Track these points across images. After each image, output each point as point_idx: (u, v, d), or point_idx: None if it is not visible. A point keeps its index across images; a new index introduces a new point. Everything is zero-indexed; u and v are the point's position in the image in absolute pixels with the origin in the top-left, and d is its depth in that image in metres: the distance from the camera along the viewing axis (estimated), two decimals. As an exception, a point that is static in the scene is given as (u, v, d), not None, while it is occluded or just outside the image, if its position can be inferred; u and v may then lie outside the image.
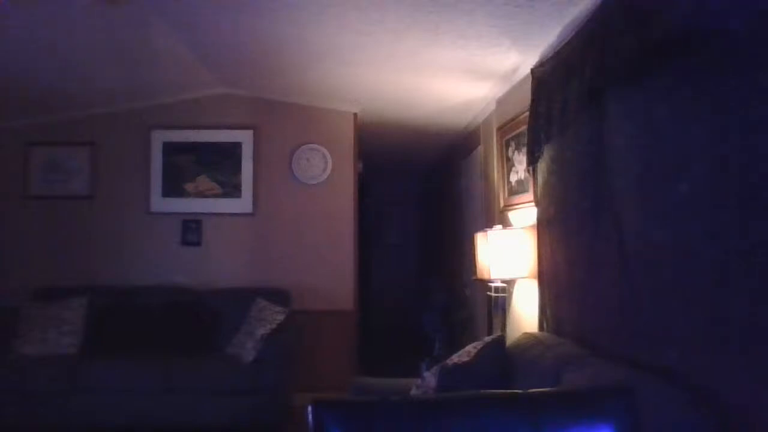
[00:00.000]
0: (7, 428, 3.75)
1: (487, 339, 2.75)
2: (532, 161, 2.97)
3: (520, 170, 3.37)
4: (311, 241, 4.84)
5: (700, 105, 1.65)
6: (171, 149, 4.84)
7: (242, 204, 4.83)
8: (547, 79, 2.72)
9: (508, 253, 3.15)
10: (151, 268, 4.76)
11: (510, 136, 3.55)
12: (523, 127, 3.12)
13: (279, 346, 3.95)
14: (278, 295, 4.38)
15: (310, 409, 1.28)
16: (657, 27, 1.69)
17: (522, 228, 3.27)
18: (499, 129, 3.79)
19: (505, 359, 2.55)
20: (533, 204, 3.03)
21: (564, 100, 2.45)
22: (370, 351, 5.81)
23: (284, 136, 4.89)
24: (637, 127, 2.00)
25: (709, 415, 1.50)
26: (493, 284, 3.31)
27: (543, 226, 2.91)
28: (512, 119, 3.50)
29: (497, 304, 3.34)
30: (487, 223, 4.04)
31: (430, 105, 4.58)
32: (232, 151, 4.84)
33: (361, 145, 5.19)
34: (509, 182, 3.58)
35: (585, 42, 2.28)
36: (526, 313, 3.25)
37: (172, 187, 4.83)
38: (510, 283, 3.42)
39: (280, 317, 4.05)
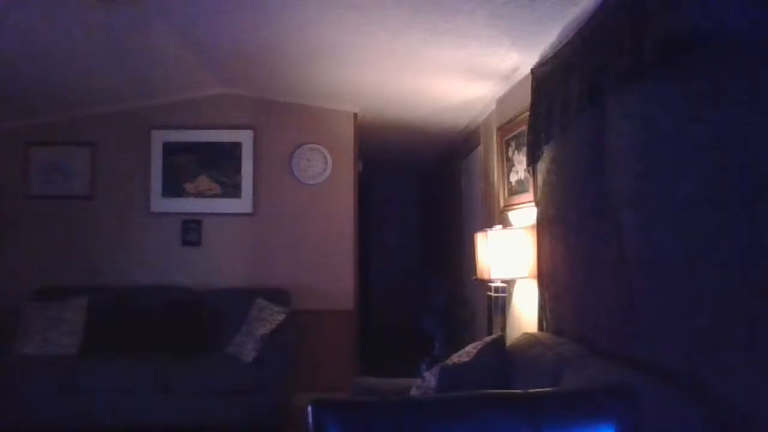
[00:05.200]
0: (7, 428, 3.75)
1: (487, 339, 2.76)
2: (532, 161, 2.97)
3: (520, 170, 3.37)
4: (311, 241, 4.84)
5: (701, 105, 1.64)
6: (171, 149, 4.84)
7: (242, 204, 4.83)
8: (547, 79, 2.72)
9: (508, 253, 3.15)
10: (151, 268, 4.76)
11: (510, 136, 3.55)
12: (523, 127, 3.12)
13: (279, 346, 3.95)
14: (278, 295, 4.38)
15: (310, 409, 1.28)
16: (657, 27, 1.69)
17: (522, 228, 3.27)
18: (499, 129, 3.79)
19: (505, 359, 2.55)
20: (533, 204, 3.03)
21: (564, 100, 2.45)
22: (370, 351, 5.81)
23: (284, 136, 4.89)
24: (637, 127, 2.00)
25: (709, 415, 1.50)
26: (493, 284, 3.31)
27: (543, 226, 2.91)
28: (512, 119, 3.50)
29: (497, 304, 3.34)
30: (487, 223, 4.04)
31: (430, 105, 4.58)
32: (232, 151, 4.84)
33: (361, 145, 5.19)
34: (509, 182, 3.58)
35: (585, 42, 2.28)
36: (526, 313, 3.25)
37: (172, 187, 4.83)
38: (510, 283, 3.42)
39: (280, 317, 4.05)
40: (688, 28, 1.61)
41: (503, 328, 3.31)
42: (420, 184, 8.97)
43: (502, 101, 3.87)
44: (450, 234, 6.37)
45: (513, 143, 3.50)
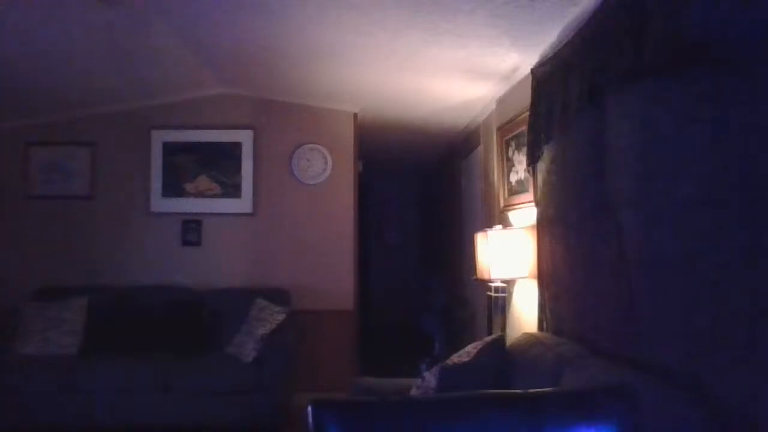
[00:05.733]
0: (7, 428, 3.75)
1: (487, 339, 2.76)
2: (532, 161, 2.97)
3: (520, 170, 3.37)
4: (311, 241, 4.84)
5: (701, 105, 1.64)
6: (171, 149, 4.84)
7: (242, 204, 4.83)
8: (547, 79, 2.72)
9: (508, 253, 3.15)
10: (151, 268, 4.76)
11: (510, 136, 3.55)
12: (523, 127, 3.12)
13: (279, 346, 3.95)
14: (278, 295, 4.38)
15: (310, 409, 1.28)
16: (657, 27, 1.69)
17: (522, 228, 3.27)
18: (499, 129, 3.79)
19: (505, 359, 2.55)
20: (533, 204, 3.03)
21: (564, 100, 2.45)
22: (370, 351, 5.81)
23: (284, 136, 4.89)
24: (637, 127, 2.00)
25: (709, 415, 1.50)
26: (493, 284, 3.31)
27: (543, 226, 2.91)
28: (512, 119, 3.50)
29: (497, 304, 3.34)
30: (487, 223, 4.04)
31: (430, 105, 4.58)
32: (232, 151, 4.84)
33: (361, 145, 5.19)
34: (509, 182, 3.58)
35: (585, 42, 2.28)
36: (526, 313, 3.25)
37: (172, 187, 4.83)
38: (510, 283, 3.42)
39: (280, 317, 4.05)
40: (688, 28, 1.61)
41: (503, 328, 3.31)
42: (420, 184, 8.97)
43: (502, 101, 3.87)
44: (450, 234, 6.37)
45: (513, 143, 3.50)
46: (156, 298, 4.38)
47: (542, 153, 2.86)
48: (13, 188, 4.83)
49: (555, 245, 2.75)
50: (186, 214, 4.83)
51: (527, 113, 2.97)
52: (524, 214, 3.30)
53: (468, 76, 3.71)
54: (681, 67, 1.73)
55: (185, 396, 3.79)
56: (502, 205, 3.75)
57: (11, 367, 3.87)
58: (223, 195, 4.83)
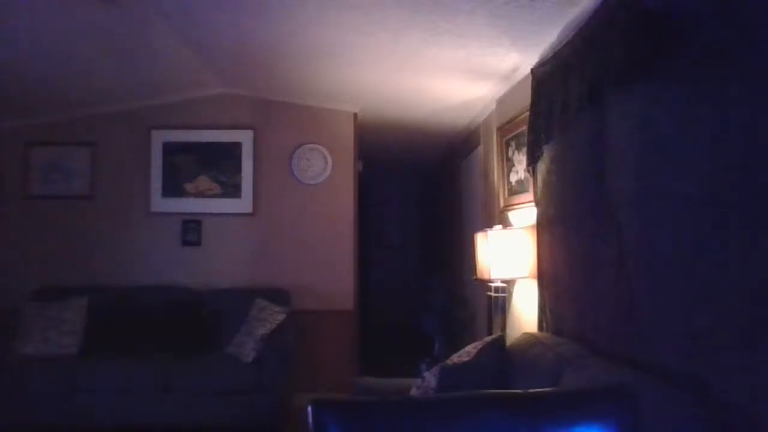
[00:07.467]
0: (7, 428, 3.75)
1: (487, 339, 2.76)
2: (532, 161, 2.97)
3: (520, 170, 3.37)
4: (311, 241, 4.84)
5: (701, 105, 1.64)
6: (171, 149, 4.84)
7: (242, 204, 4.83)
8: (547, 79, 2.72)
9: (508, 253, 3.15)
10: (151, 268, 4.76)
11: (510, 136, 3.55)
12: (523, 127, 3.12)
13: (279, 346, 3.95)
14: (278, 295, 4.39)
15: (310, 409, 1.28)
16: (656, 27, 1.69)
17: (522, 228, 3.27)
18: (499, 129, 3.79)
19: (505, 359, 2.55)
20: (533, 204, 3.03)
21: (564, 100, 2.45)
22: (370, 351, 5.81)
23: (284, 136, 4.89)
24: (637, 127, 2.00)
25: (709, 415, 1.50)
26: (493, 284, 3.31)
27: (543, 226, 2.91)
28: (512, 119, 3.50)
29: (497, 304, 3.34)
30: (487, 223, 4.04)
31: (430, 105, 4.58)
32: (232, 151, 4.84)
33: (361, 145, 5.19)
34: (509, 182, 3.58)
35: (585, 42, 2.28)
36: (526, 313, 3.25)
37: (172, 187, 4.83)
38: (510, 283, 3.42)
39: (280, 317, 4.05)
40: (689, 29, 1.61)
41: (503, 328, 3.31)
42: (420, 184, 8.97)
43: (502, 101, 3.87)
44: (450, 234, 6.37)
45: (513, 143, 3.50)
46: (156, 298, 4.38)
47: (542, 153, 2.86)
48: (13, 188, 4.83)
49: (555, 245, 2.75)
50: (186, 214, 4.83)
51: (527, 113, 2.97)
52: (524, 214, 3.30)
53: (468, 76, 3.71)
54: (681, 67, 1.72)
55: (185, 396, 3.79)
56: (502, 205, 3.75)
57: (11, 367, 3.87)
58: (223, 195, 4.83)
